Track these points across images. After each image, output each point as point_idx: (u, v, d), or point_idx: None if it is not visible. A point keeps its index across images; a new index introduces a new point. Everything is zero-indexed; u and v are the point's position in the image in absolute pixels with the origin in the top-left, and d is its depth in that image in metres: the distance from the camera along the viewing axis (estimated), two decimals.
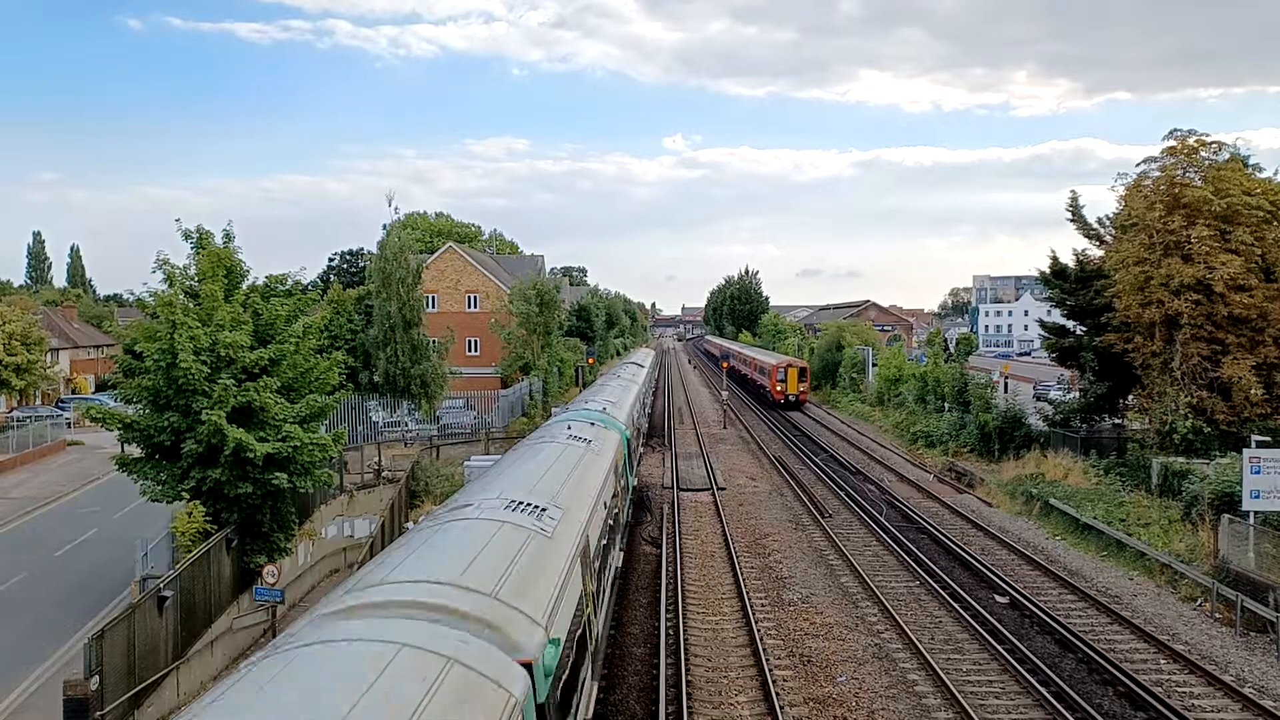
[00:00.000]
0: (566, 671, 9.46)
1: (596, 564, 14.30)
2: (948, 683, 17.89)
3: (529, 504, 12.36)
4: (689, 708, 17.18)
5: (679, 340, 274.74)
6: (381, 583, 8.32)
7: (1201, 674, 18.75)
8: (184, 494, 23.84)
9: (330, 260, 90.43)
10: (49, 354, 67.57)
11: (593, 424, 24.02)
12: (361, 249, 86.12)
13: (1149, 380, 38.96)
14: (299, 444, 23.90)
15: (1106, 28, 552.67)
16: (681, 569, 26.42)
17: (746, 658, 19.88)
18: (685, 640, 20.48)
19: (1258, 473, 26.56)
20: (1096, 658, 19.20)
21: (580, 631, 11.02)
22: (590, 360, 76.25)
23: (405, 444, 46.90)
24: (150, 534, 24.91)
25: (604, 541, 16.22)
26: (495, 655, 7.25)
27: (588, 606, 12.10)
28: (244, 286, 25.79)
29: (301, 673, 6.29)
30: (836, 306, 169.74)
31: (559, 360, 68.73)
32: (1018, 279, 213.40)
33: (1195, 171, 37.65)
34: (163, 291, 24.58)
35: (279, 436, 23.72)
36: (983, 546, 29.63)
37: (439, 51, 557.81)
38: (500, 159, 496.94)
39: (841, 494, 37.80)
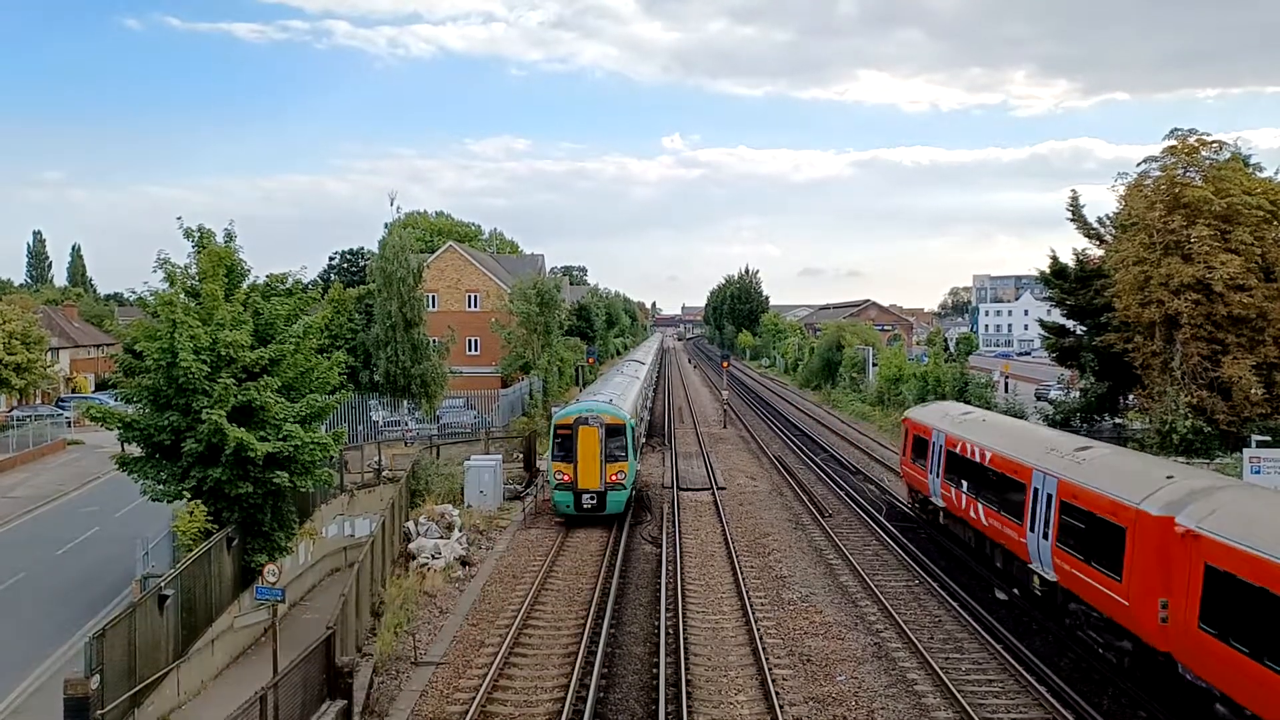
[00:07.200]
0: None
1: None
2: (946, 681, 17.93)
3: None
4: (689, 707, 17.21)
5: (679, 339, 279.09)
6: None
7: None
8: (184, 493, 23.82)
9: (331, 259, 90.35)
10: (49, 353, 67.59)
11: None
12: (362, 248, 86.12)
13: (1149, 380, 39.00)
14: (299, 443, 23.87)
15: (1105, 28, 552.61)
16: (681, 568, 26.45)
17: (746, 657, 19.91)
18: (685, 639, 20.51)
19: (1258, 473, 26.62)
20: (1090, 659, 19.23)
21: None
22: (590, 360, 76.19)
23: (405, 443, 46.86)
24: (151, 533, 24.93)
25: None
26: None
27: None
28: (244, 286, 25.79)
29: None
30: (837, 306, 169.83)
31: (559, 359, 68.77)
32: (1018, 279, 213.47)
33: (1195, 171, 37.70)
34: (163, 290, 24.55)
35: (279, 436, 23.69)
36: None
37: (438, 52, 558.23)
38: (500, 159, 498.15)
39: (841, 493, 37.82)
